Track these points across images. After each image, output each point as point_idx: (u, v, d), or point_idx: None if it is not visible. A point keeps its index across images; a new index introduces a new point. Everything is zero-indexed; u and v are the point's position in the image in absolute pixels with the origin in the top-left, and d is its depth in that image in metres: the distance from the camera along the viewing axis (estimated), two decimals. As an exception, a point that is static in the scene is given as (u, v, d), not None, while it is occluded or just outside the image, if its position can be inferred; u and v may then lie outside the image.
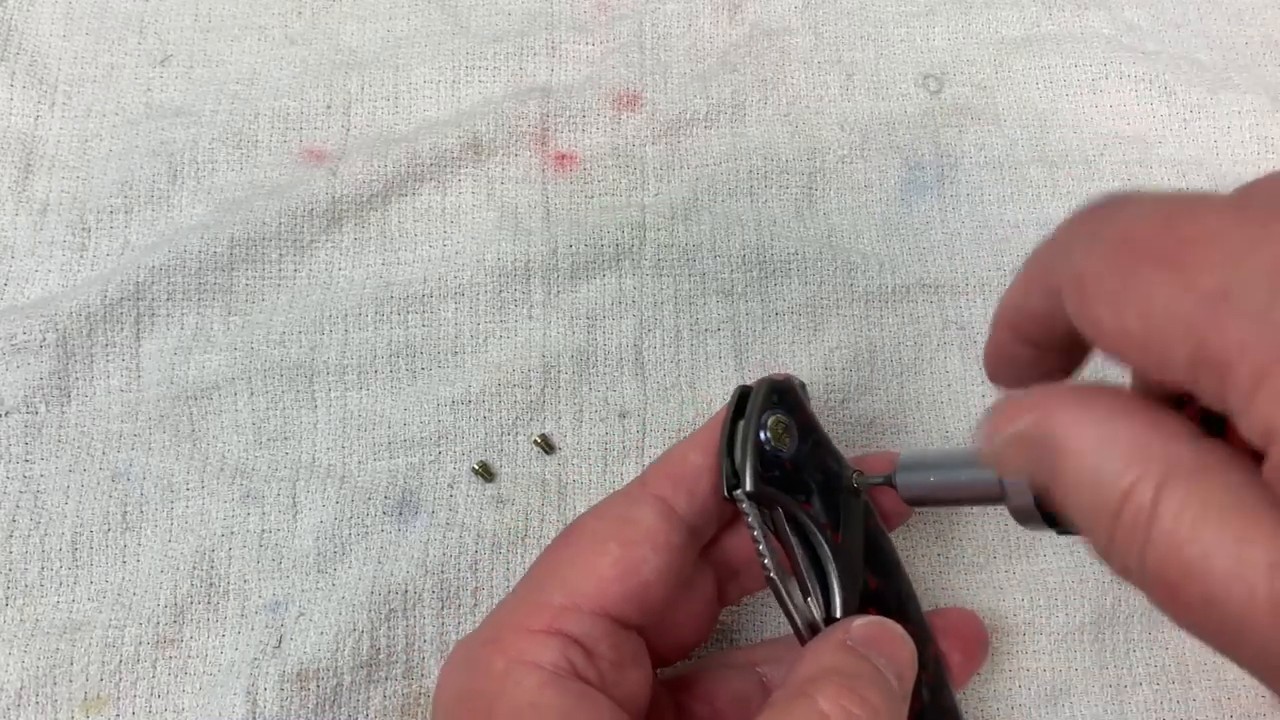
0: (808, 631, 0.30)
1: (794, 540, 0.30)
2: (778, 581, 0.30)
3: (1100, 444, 0.20)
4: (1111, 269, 0.20)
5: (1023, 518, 0.25)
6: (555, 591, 0.29)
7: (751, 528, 0.30)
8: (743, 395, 0.32)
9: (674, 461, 0.32)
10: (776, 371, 0.33)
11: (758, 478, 0.30)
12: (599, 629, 0.29)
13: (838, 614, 0.30)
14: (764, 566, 0.30)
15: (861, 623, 0.29)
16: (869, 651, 0.28)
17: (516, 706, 0.27)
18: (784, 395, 0.32)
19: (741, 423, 0.31)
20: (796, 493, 0.31)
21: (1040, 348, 0.25)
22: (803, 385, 0.33)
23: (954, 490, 0.29)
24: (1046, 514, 0.25)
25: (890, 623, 0.29)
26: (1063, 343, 0.24)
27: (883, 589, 0.31)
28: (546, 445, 0.39)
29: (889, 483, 0.31)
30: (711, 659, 0.35)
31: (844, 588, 0.30)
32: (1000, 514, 0.38)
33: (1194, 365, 0.19)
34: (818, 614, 0.30)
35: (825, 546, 0.30)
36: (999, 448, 0.23)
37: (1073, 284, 0.21)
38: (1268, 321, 0.18)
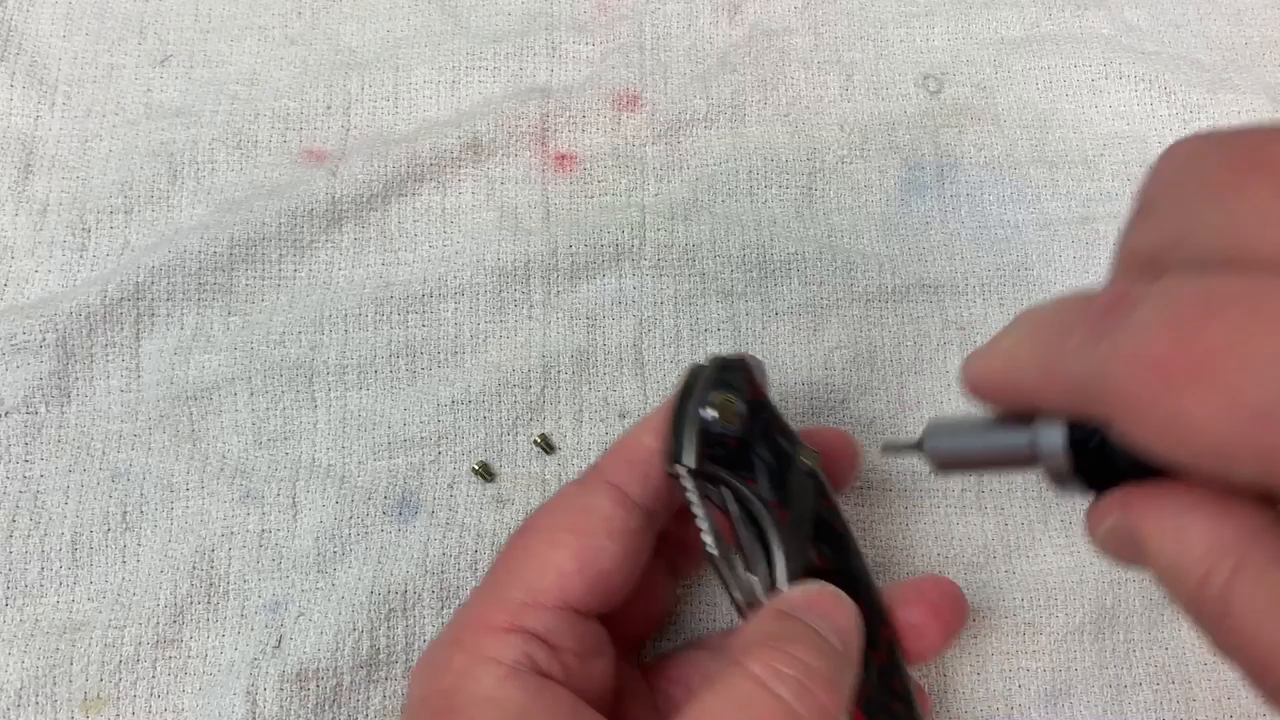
0: (748, 607, 0.30)
1: (738, 517, 0.30)
2: (716, 557, 0.30)
3: (1176, 537, 0.21)
4: (1147, 395, 0.20)
5: (1059, 480, 0.25)
6: (515, 588, 0.30)
7: (690, 503, 0.30)
8: (694, 374, 0.32)
9: (627, 447, 0.32)
10: (734, 351, 0.33)
11: (698, 454, 0.30)
12: (561, 623, 0.29)
13: (783, 589, 0.30)
14: (703, 542, 0.30)
15: (798, 589, 0.29)
16: (804, 614, 0.28)
17: (475, 701, 0.28)
18: (733, 374, 0.32)
19: (689, 401, 0.31)
20: (741, 470, 0.31)
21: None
22: (760, 365, 0.33)
23: (986, 453, 0.28)
24: (1082, 475, 0.24)
25: (827, 585, 0.30)
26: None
27: (831, 567, 0.31)
28: (546, 445, 0.39)
29: (919, 447, 0.30)
30: (690, 643, 0.36)
31: (789, 563, 0.30)
32: (1000, 514, 0.38)
33: (1263, 477, 0.19)
34: (760, 589, 0.30)
35: (771, 524, 0.30)
36: (1099, 542, 0.24)
37: (1117, 409, 0.21)
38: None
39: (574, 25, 0.46)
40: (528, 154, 0.43)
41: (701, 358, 0.40)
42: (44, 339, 0.39)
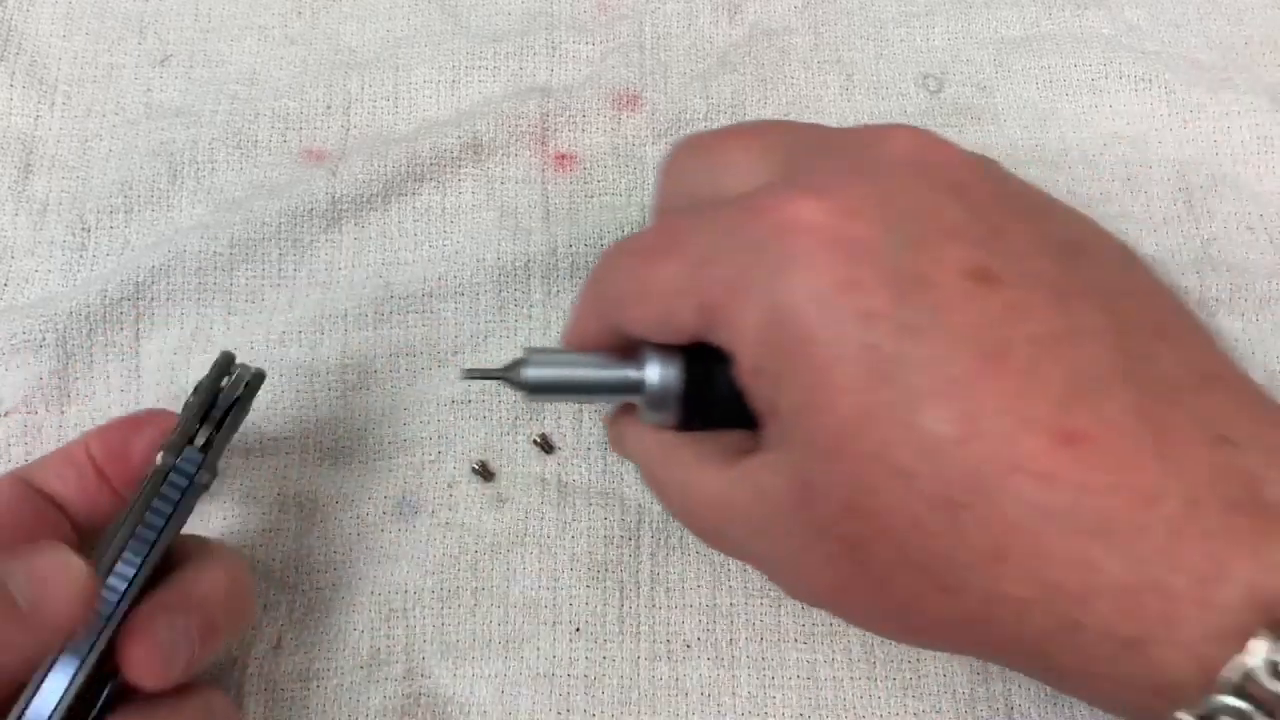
0: None
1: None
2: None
3: (626, 442, 0.34)
4: (632, 273, 0.29)
5: (658, 401, 0.30)
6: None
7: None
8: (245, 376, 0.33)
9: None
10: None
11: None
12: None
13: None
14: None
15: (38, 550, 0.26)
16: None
17: None
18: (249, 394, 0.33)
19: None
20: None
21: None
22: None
23: (589, 380, 0.31)
24: (688, 404, 0.30)
25: (63, 550, 0.26)
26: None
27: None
28: (546, 445, 0.39)
29: (511, 372, 0.31)
30: None
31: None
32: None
33: (696, 317, 0.27)
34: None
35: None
36: (611, 438, 0.35)
37: (612, 302, 0.29)
38: (734, 265, 0.26)
39: (574, 25, 0.46)
40: (528, 154, 0.43)
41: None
42: (44, 339, 0.39)
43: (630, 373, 0.30)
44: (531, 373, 0.31)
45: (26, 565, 0.25)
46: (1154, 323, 0.26)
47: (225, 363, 0.33)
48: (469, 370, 0.32)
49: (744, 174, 0.29)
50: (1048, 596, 0.23)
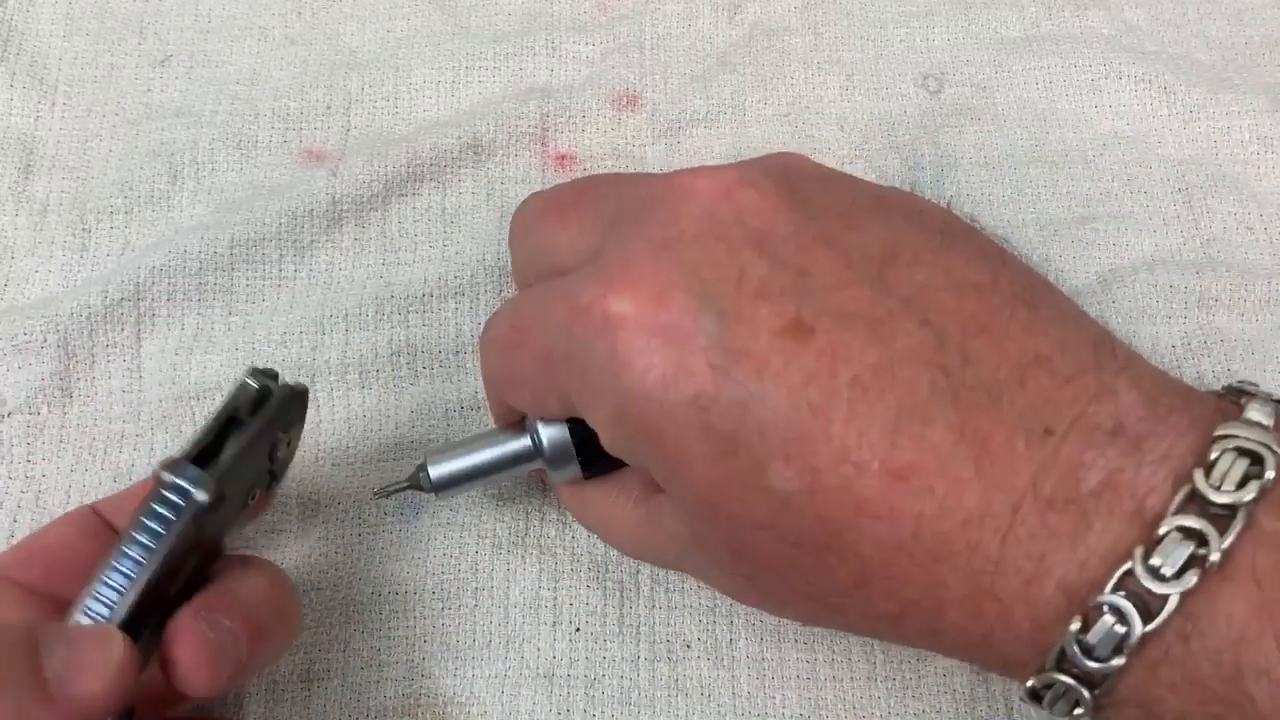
0: None
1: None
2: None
3: (566, 495, 0.36)
4: (498, 363, 0.32)
5: (558, 464, 0.32)
6: None
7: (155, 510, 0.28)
8: (281, 393, 0.31)
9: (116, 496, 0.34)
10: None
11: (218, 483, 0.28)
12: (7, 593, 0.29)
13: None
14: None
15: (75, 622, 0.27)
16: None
17: None
18: (298, 408, 0.32)
19: (269, 419, 0.31)
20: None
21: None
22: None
23: (491, 461, 0.34)
24: (584, 458, 0.32)
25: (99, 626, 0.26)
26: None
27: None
28: None
29: (415, 479, 0.34)
30: None
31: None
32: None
33: (560, 405, 0.30)
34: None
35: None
36: (563, 499, 0.36)
37: (496, 388, 0.33)
38: (574, 360, 0.28)
39: (574, 25, 0.46)
40: (528, 154, 0.43)
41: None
42: (45, 339, 0.39)
43: (524, 444, 0.33)
44: (434, 471, 0.34)
45: (67, 641, 0.25)
46: (971, 316, 0.26)
47: (253, 377, 0.31)
48: (379, 490, 0.36)
49: (566, 254, 0.31)
50: (909, 611, 0.26)
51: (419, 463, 0.34)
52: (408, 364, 0.40)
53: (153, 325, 0.40)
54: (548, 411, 0.31)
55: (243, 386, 0.30)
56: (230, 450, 0.29)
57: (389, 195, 0.42)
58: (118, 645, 0.26)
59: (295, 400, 0.32)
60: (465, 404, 0.40)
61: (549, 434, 0.32)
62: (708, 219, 0.27)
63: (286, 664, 0.36)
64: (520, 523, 0.38)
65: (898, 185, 0.43)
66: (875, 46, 0.46)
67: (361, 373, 0.40)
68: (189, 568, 0.29)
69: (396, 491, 0.35)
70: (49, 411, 0.39)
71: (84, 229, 0.42)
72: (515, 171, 0.43)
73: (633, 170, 0.43)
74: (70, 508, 0.37)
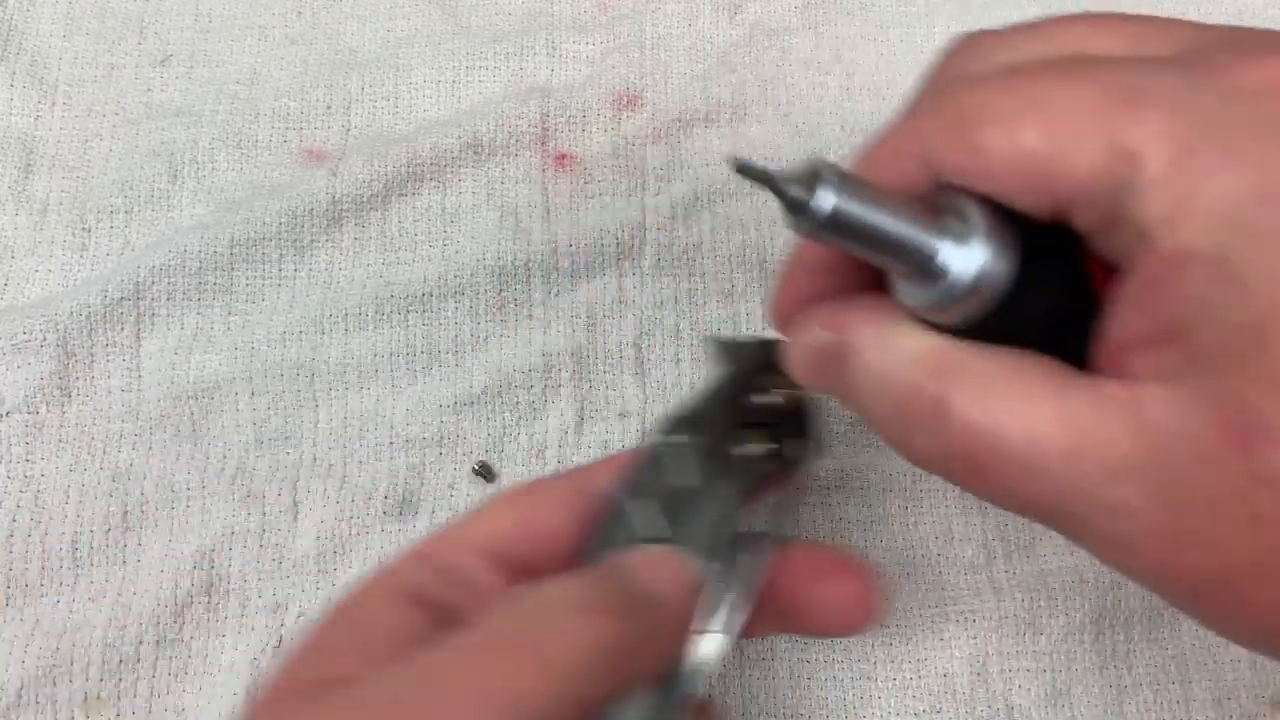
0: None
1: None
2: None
3: (884, 347, 0.23)
4: (1003, 89, 0.21)
5: (957, 293, 0.22)
6: (452, 528, 0.29)
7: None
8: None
9: (605, 459, 0.31)
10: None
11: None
12: (486, 564, 0.28)
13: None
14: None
15: (640, 550, 0.27)
16: (622, 568, 0.26)
17: (349, 605, 0.27)
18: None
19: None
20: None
21: (845, 285, 0.25)
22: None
23: (893, 234, 0.22)
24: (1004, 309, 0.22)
25: (669, 549, 0.27)
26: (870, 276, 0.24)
27: None
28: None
29: (790, 192, 0.21)
30: None
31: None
32: (1000, 513, 0.38)
33: (1096, 165, 0.19)
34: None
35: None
36: (796, 359, 0.25)
37: (949, 121, 0.21)
38: (1184, 111, 0.19)
39: (574, 25, 0.46)
40: (528, 154, 0.43)
41: (702, 357, 0.40)
42: (44, 339, 0.39)
43: (945, 238, 0.21)
44: (825, 199, 0.21)
45: (642, 568, 0.26)
46: None
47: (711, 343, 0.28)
48: (738, 160, 0.22)
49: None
50: None
51: (807, 166, 0.21)
52: (407, 364, 0.40)
53: (152, 325, 0.40)
54: (1039, 178, 0.20)
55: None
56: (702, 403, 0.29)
57: (389, 195, 0.42)
58: (678, 561, 0.26)
59: (763, 350, 0.29)
60: (462, 403, 0.40)
61: (989, 254, 0.21)
62: None
63: (286, 664, 0.36)
64: (520, 523, 0.38)
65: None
66: (875, 46, 0.46)
67: (361, 372, 0.40)
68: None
69: (759, 180, 0.22)
70: (48, 411, 0.39)
71: (84, 229, 0.42)
72: (515, 171, 0.43)
73: (633, 170, 0.43)
74: (69, 508, 0.37)
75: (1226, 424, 0.19)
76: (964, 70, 0.24)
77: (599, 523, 0.29)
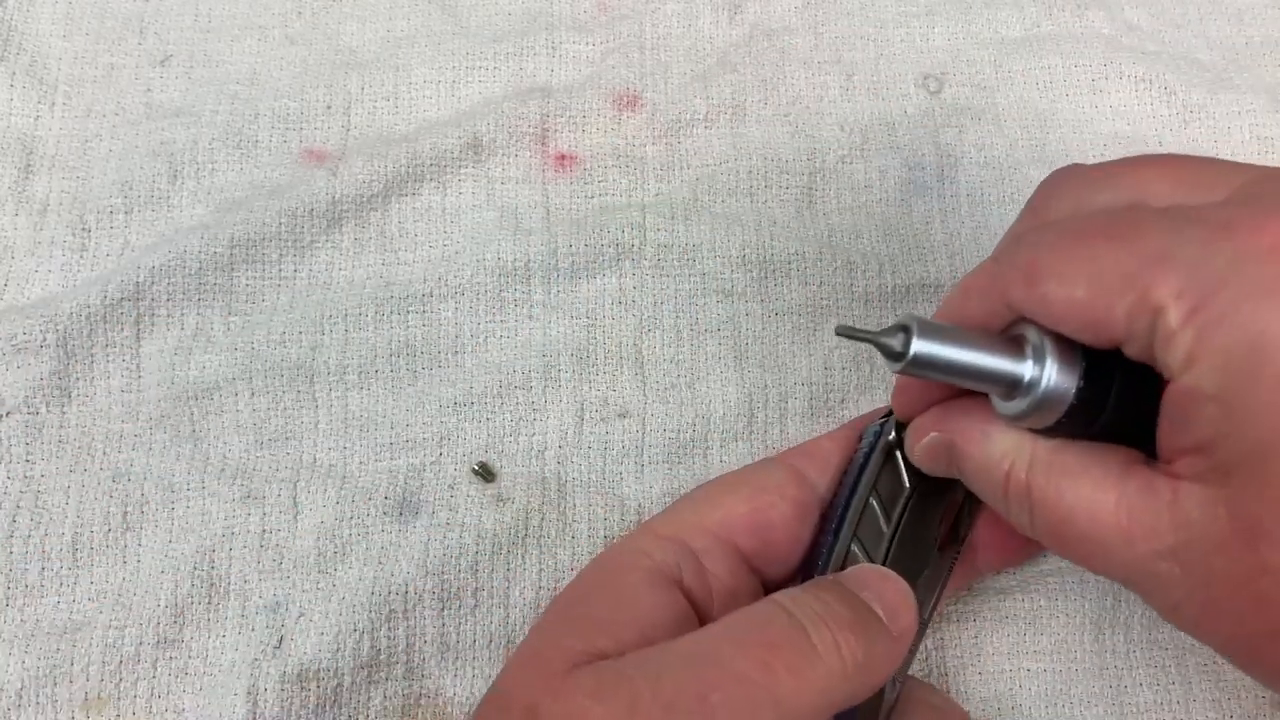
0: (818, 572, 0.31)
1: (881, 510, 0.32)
2: (851, 513, 0.32)
3: (982, 445, 0.28)
4: (1061, 248, 0.26)
5: (1042, 406, 0.27)
6: (688, 512, 0.32)
7: (869, 453, 0.32)
8: None
9: (806, 444, 0.34)
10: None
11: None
12: (718, 550, 0.31)
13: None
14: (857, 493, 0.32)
15: (861, 568, 0.31)
16: (858, 588, 0.29)
17: (608, 580, 0.30)
18: None
19: None
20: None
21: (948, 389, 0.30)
22: None
23: (972, 367, 0.27)
24: (1074, 417, 0.27)
25: (890, 571, 0.30)
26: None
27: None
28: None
29: (889, 346, 0.27)
30: None
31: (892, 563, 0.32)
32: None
33: (1132, 316, 0.24)
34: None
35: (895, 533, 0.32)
36: (918, 455, 0.31)
37: (1022, 273, 0.26)
38: (1199, 273, 0.23)
39: (574, 25, 0.46)
40: (528, 154, 0.43)
41: (703, 357, 0.40)
42: (44, 339, 0.39)
43: (1017, 367, 0.27)
44: (918, 346, 0.27)
45: (879, 591, 0.29)
46: None
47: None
48: (842, 327, 0.28)
49: (1169, 201, 0.26)
50: None
51: (900, 321, 0.27)
52: (407, 364, 0.40)
53: (152, 325, 0.40)
54: (1087, 323, 0.25)
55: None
56: None
57: (389, 195, 0.42)
58: (904, 584, 0.30)
59: None
60: (462, 403, 0.40)
61: (1060, 368, 0.26)
62: None
63: (288, 664, 0.36)
64: (521, 523, 0.38)
65: (898, 185, 0.43)
66: (875, 46, 0.46)
67: (361, 373, 0.40)
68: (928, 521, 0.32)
69: (862, 339, 0.28)
70: (48, 411, 0.39)
71: (84, 229, 0.42)
72: (515, 171, 0.43)
73: (633, 170, 0.43)
74: (69, 508, 0.37)
75: (1238, 524, 0.24)
76: (1045, 211, 0.30)
77: (822, 521, 0.32)
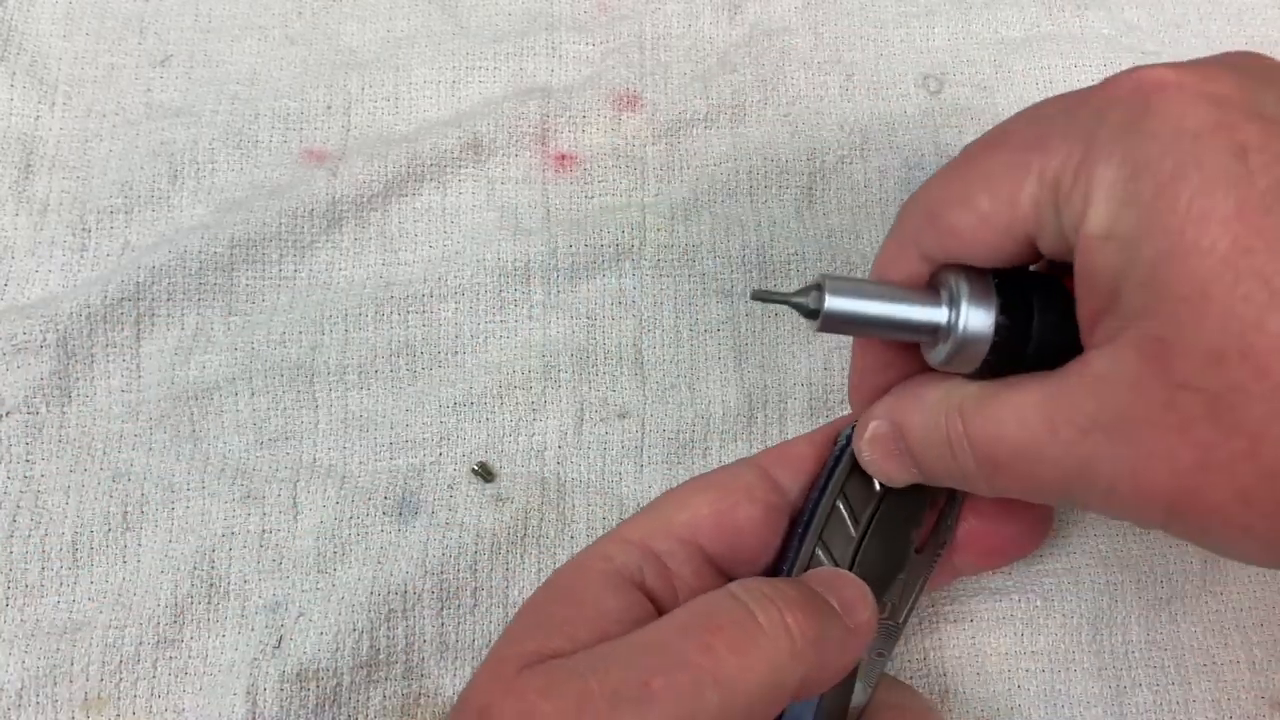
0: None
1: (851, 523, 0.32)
2: (816, 519, 0.32)
3: (918, 410, 0.29)
4: (950, 177, 0.27)
5: (966, 348, 0.27)
6: (654, 516, 0.32)
7: (839, 463, 0.32)
8: None
9: (782, 447, 0.34)
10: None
11: None
12: (683, 552, 0.31)
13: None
14: (821, 502, 0.32)
15: (822, 570, 0.31)
16: (816, 585, 0.29)
17: (569, 584, 0.30)
18: None
19: None
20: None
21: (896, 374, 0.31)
22: None
23: (886, 318, 0.28)
24: (998, 356, 0.27)
25: (848, 574, 0.31)
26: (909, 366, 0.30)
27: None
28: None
29: (803, 305, 0.28)
30: None
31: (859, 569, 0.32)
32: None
33: (1037, 202, 0.25)
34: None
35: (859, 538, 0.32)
36: (869, 459, 0.31)
37: (924, 215, 0.27)
38: (1075, 135, 0.25)
39: (574, 25, 0.46)
40: (528, 154, 0.43)
41: (703, 358, 0.40)
42: (44, 339, 0.39)
43: (934, 314, 0.27)
44: (831, 303, 0.27)
45: (831, 584, 0.29)
46: None
47: None
48: (757, 291, 0.28)
49: None
50: None
51: (814, 281, 0.28)
52: (407, 364, 0.40)
53: (152, 325, 0.40)
54: (1000, 230, 0.26)
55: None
56: None
57: (389, 195, 0.42)
58: (861, 583, 0.30)
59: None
60: (462, 403, 0.40)
61: (973, 318, 0.27)
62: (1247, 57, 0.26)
63: (287, 664, 0.36)
64: (520, 523, 0.38)
65: (897, 185, 0.43)
66: (875, 46, 0.46)
67: (361, 373, 0.40)
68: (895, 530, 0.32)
69: (775, 301, 0.29)
70: (48, 411, 0.39)
71: (84, 229, 0.42)
72: (515, 171, 0.43)
73: (633, 170, 0.43)
74: (69, 508, 0.37)
75: (1146, 355, 0.23)
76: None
77: (791, 525, 0.32)
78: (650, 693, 0.25)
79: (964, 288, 0.27)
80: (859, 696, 0.31)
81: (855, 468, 0.32)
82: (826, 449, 0.33)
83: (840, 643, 0.28)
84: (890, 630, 0.32)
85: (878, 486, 0.32)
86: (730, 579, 0.32)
